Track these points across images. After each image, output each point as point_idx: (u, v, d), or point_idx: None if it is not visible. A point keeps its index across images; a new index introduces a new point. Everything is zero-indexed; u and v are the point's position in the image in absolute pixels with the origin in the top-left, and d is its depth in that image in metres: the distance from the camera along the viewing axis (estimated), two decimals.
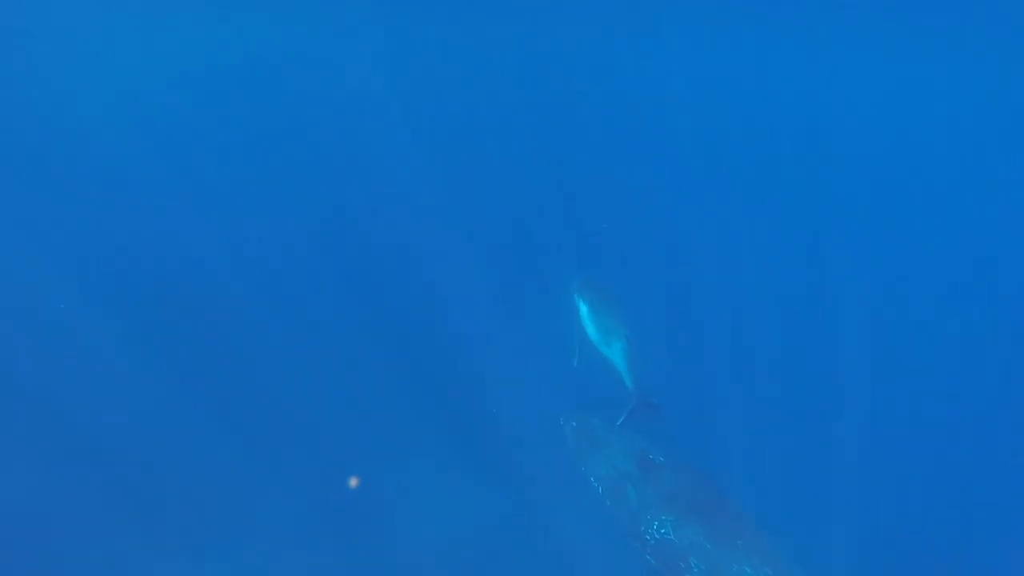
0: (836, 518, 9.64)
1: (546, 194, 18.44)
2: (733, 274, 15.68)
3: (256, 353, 13.68)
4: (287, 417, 12.77)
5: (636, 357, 9.92)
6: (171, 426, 12.29)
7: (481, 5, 24.33)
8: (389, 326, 14.75)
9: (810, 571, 8.43)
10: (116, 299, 14.54)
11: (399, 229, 17.50)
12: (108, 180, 19.38)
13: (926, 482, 10.40)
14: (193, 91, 27.07)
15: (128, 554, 10.29)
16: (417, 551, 10.92)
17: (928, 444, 10.99)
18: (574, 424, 10.01)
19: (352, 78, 27.33)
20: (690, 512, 8.87)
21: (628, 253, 16.00)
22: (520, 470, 11.05)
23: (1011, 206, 20.24)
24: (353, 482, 12.04)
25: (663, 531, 8.85)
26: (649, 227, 17.98)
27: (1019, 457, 10.51)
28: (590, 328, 10.61)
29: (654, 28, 26.53)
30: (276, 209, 18.36)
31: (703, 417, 11.52)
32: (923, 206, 20.86)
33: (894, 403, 12.24)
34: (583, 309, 10.80)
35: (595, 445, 9.77)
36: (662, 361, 10.65)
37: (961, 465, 10.44)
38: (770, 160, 23.46)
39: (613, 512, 9.27)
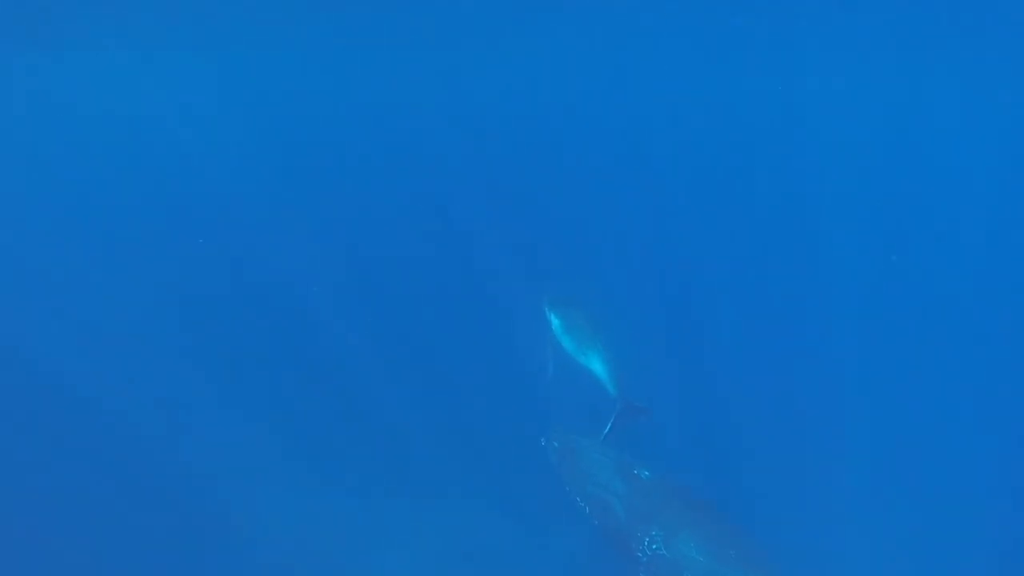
0: (826, 522, 9.66)
1: (509, 210, 18.46)
2: (710, 278, 15.79)
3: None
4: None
5: (615, 363, 9.88)
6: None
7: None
8: (359, 344, 14.57)
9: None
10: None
11: (362, 245, 17.51)
12: None
13: (916, 484, 10.50)
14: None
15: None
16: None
17: (915, 446, 11.11)
18: (556, 444, 9.87)
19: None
20: (680, 525, 8.79)
21: (599, 264, 16.04)
22: (504, 493, 10.92)
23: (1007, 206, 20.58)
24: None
25: (654, 547, 8.75)
26: (620, 236, 18.07)
27: (1016, 460, 10.62)
28: (564, 340, 10.56)
29: (619, 30, 26.71)
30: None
31: (685, 427, 11.50)
32: (904, 205, 21.23)
33: (881, 402, 12.36)
34: (555, 322, 10.76)
35: (579, 464, 9.64)
36: (642, 366, 10.57)
37: (951, 465, 10.56)
38: (745, 164, 23.81)
39: (602, 531, 9.15)
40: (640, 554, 8.75)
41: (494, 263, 16.29)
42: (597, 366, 10.09)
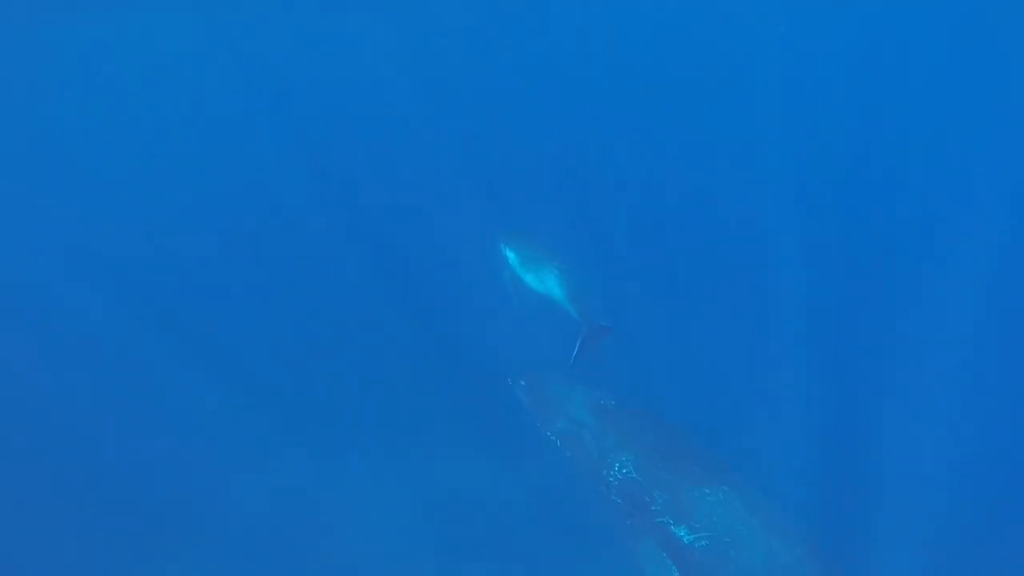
0: (786, 433, 10.19)
1: (458, 150, 18.21)
2: (672, 200, 15.93)
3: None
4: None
5: (574, 286, 10.08)
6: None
7: None
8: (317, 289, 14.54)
9: (758, 484, 8.93)
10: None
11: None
12: None
13: (868, 398, 10.98)
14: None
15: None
16: (382, 525, 11.02)
17: (870, 363, 11.52)
18: (523, 383, 10.13)
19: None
20: (647, 450, 9.21)
21: (553, 197, 16.04)
22: (475, 434, 11.20)
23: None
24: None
25: (625, 471, 9.16)
26: (575, 167, 18.07)
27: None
28: (522, 273, 10.69)
29: None
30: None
31: (648, 352, 11.85)
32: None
33: (844, 315, 12.70)
34: (511, 257, 10.86)
35: (547, 401, 9.93)
36: (602, 288, 10.78)
37: (917, 393, 11.01)
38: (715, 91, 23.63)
39: (575, 462, 9.52)
40: (611, 479, 9.16)
41: (446, 202, 16.22)
42: (557, 292, 10.28)
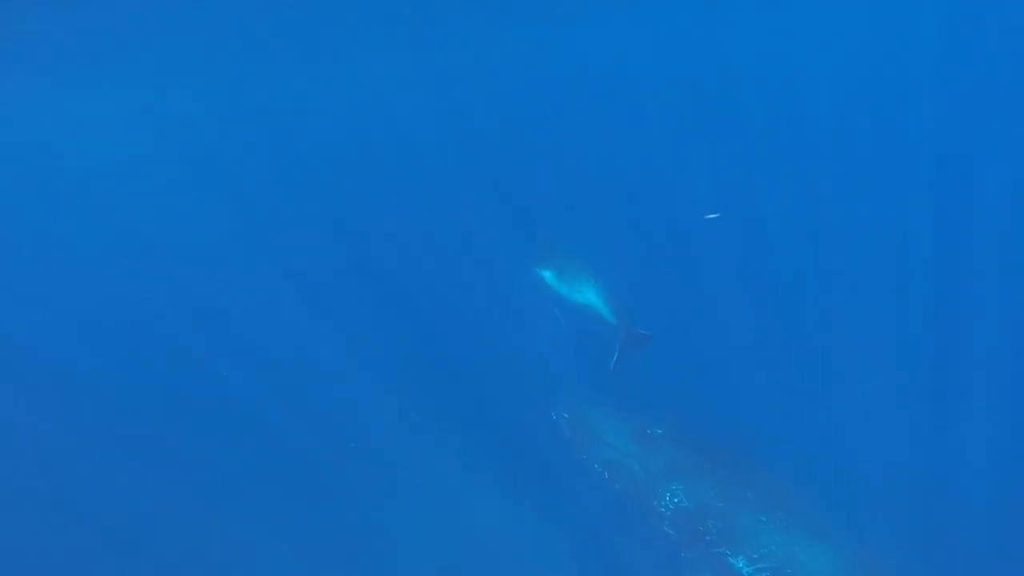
0: (836, 455, 9.89)
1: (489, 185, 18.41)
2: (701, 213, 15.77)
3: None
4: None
5: (610, 293, 10.01)
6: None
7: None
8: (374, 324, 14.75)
9: (817, 508, 8.67)
10: None
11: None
12: None
13: (926, 417, 10.64)
14: None
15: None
16: (428, 556, 10.96)
17: (916, 386, 11.22)
18: (567, 416, 10.04)
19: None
20: (698, 476, 9.02)
21: (583, 218, 16.07)
22: (522, 471, 11.05)
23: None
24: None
25: (676, 500, 8.98)
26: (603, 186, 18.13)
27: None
28: (559, 288, 10.67)
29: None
30: None
31: (689, 378, 11.63)
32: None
33: (888, 338, 12.39)
34: (547, 276, 10.85)
35: (591, 432, 9.82)
36: (639, 297, 10.68)
37: (965, 400, 10.68)
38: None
39: (624, 493, 9.36)
40: (663, 509, 8.98)
41: (476, 233, 16.34)
42: (594, 300, 10.23)
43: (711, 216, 14.98)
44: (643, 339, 9.92)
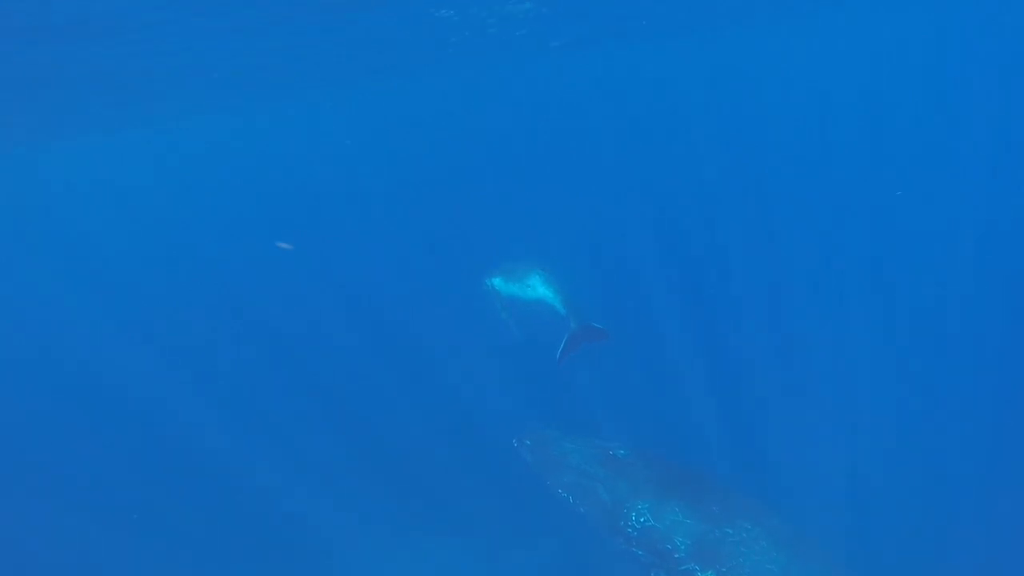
0: (799, 466, 9.93)
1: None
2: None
3: None
4: None
5: (561, 285, 9.95)
6: None
7: None
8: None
9: (783, 518, 8.66)
10: None
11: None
12: None
13: (886, 425, 10.80)
14: None
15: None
16: None
17: (882, 392, 11.40)
18: (528, 442, 9.86)
19: None
20: (663, 494, 8.92)
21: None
22: (486, 498, 10.82)
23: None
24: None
25: (642, 519, 8.85)
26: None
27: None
28: (510, 289, 10.57)
29: None
30: None
31: (648, 398, 11.64)
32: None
33: (849, 338, 12.61)
34: (498, 283, 10.77)
35: (554, 457, 9.65)
36: (592, 291, 10.65)
37: (929, 413, 10.89)
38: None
39: (589, 516, 9.19)
40: (630, 530, 8.83)
41: (426, 256, 16.39)
42: (546, 292, 10.15)
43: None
44: (596, 333, 9.74)
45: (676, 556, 8.39)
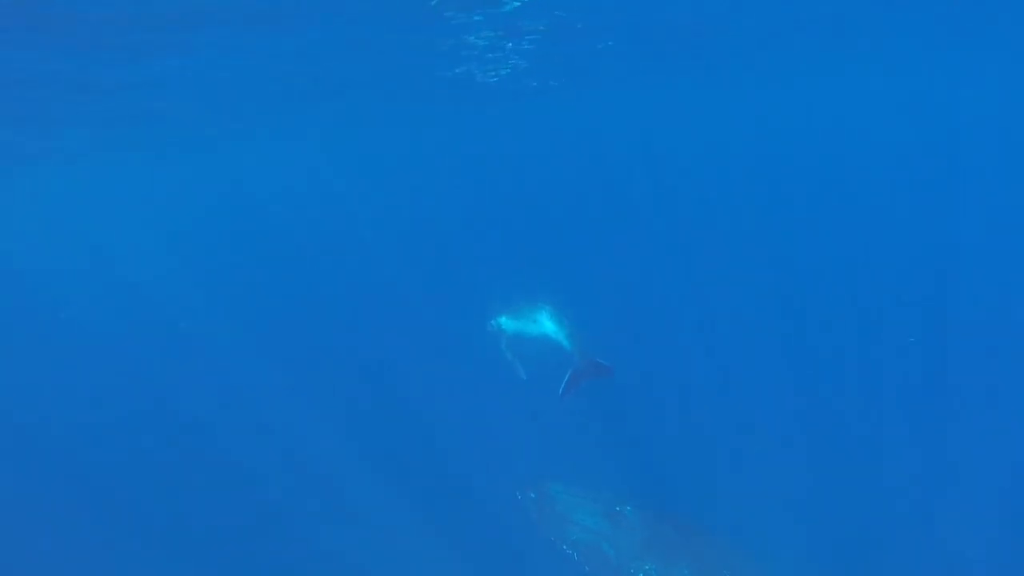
0: (811, 528, 9.64)
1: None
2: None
3: None
4: None
5: (566, 320, 9.77)
6: None
7: None
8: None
9: None
10: None
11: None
12: None
13: (895, 488, 10.57)
14: None
15: None
16: None
17: (894, 452, 11.18)
18: (533, 495, 9.61)
19: None
20: (671, 554, 8.67)
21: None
22: (488, 553, 10.48)
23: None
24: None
25: None
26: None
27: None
28: (516, 326, 10.39)
29: None
30: None
31: (655, 453, 11.38)
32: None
33: (860, 403, 12.41)
34: (504, 323, 10.59)
35: (559, 511, 9.41)
36: (595, 324, 10.47)
37: (935, 474, 10.70)
38: None
39: (595, 575, 8.91)
40: None
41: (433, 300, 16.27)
42: (549, 326, 9.97)
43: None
44: (602, 369, 9.50)
45: None
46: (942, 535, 9.65)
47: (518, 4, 11.50)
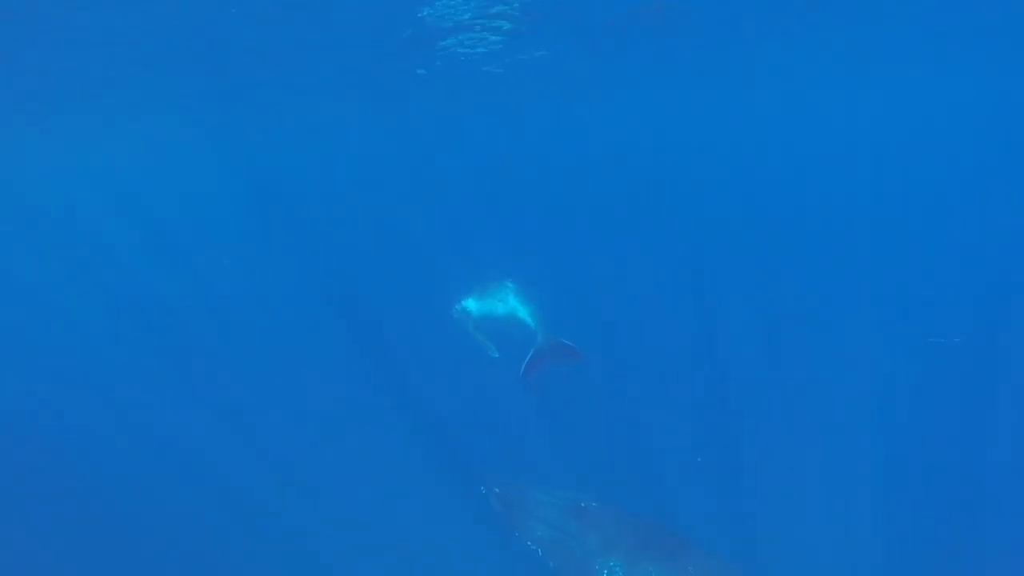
0: (774, 524, 9.72)
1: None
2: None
3: None
4: None
5: (531, 298, 9.66)
6: None
7: None
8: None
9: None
10: None
11: None
12: None
13: (858, 483, 10.67)
14: None
15: None
16: None
17: (850, 448, 11.29)
18: (497, 490, 9.47)
19: None
20: (636, 550, 8.62)
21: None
22: (452, 549, 10.36)
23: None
24: None
25: None
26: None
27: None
28: (482, 307, 10.21)
29: None
30: None
31: (620, 448, 11.34)
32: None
33: (834, 398, 12.48)
34: (468, 303, 10.39)
35: (524, 507, 9.28)
36: (561, 304, 10.37)
37: (898, 470, 10.84)
38: None
39: (559, 572, 8.82)
40: None
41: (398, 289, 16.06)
42: (514, 304, 9.84)
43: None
44: (567, 351, 9.36)
45: None
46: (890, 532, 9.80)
47: None
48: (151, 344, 16.25)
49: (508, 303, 9.92)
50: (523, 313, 9.75)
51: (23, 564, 10.65)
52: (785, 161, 32.90)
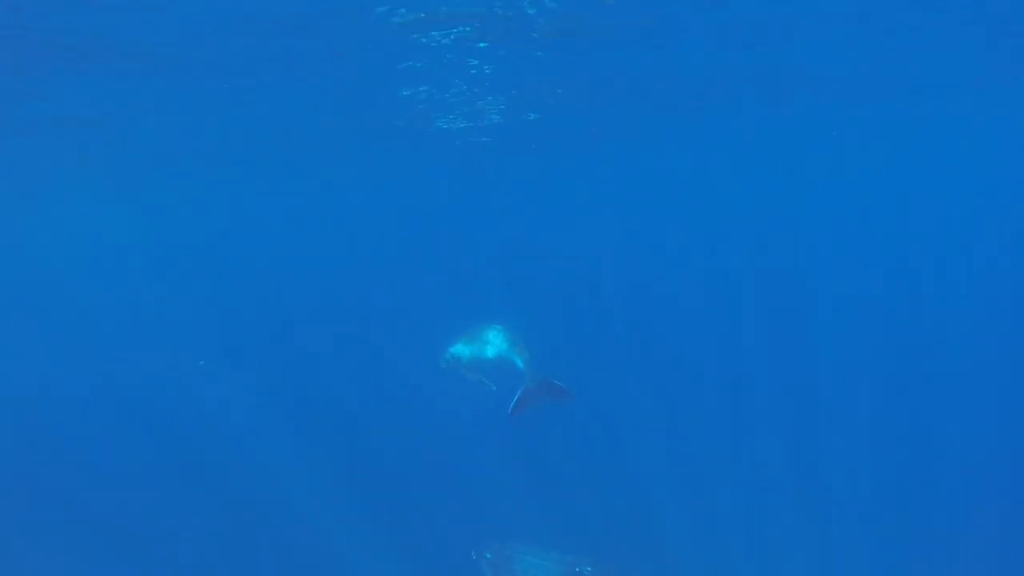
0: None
1: None
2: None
3: None
4: None
5: (519, 339, 9.38)
6: None
7: None
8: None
9: None
10: None
11: None
12: None
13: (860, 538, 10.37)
14: None
15: None
16: None
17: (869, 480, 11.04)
18: (488, 555, 9.09)
19: None
20: None
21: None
22: None
23: None
24: None
25: None
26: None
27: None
28: (470, 351, 9.95)
29: None
30: None
31: (616, 510, 10.95)
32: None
33: (816, 456, 12.28)
34: (457, 349, 10.14)
35: (516, 573, 8.90)
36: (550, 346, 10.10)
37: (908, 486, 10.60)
38: None
39: None
40: None
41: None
42: (502, 345, 9.56)
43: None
44: (557, 391, 9.05)
45: None
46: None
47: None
48: (151, 344, 16.03)
49: (496, 346, 9.76)
50: (512, 355, 9.59)
51: (23, 564, 10.45)
52: (761, 224, 33.28)
